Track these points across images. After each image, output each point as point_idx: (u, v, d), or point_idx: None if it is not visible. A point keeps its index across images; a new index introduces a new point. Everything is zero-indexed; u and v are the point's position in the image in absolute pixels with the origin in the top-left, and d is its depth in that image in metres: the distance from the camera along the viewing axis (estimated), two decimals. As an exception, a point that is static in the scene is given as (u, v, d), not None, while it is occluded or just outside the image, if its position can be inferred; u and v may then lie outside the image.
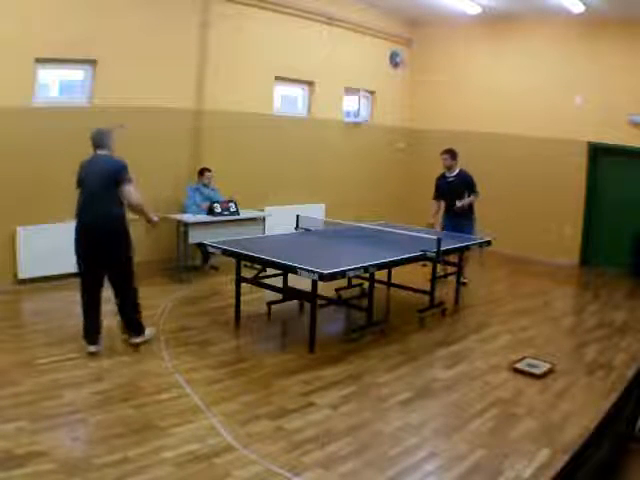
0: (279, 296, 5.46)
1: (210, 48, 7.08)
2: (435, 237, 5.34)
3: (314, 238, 6.01)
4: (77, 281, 5.03)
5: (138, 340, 4.52)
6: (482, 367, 4.58)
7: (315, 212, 7.81)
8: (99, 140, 4.44)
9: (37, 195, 5.88)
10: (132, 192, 4.32)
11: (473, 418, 3.70)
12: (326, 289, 5.41)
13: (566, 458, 3.11)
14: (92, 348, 4.32)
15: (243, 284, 5.25)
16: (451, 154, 6.93)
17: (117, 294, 4.46)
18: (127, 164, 4.39)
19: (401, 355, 4.74)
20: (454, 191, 6.85)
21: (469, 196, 6.78)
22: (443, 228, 6.95)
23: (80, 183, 4.37)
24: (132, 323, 4.53)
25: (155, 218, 4.57)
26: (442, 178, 7.06)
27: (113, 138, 4.52)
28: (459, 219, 6.78)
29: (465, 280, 6.83)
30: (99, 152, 4.43)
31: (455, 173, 6.94)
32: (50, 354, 4.25)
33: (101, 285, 4.43)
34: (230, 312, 5.33)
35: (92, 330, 4.37)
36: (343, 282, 5.94)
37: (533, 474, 3.08)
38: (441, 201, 7.08)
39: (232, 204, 6.83)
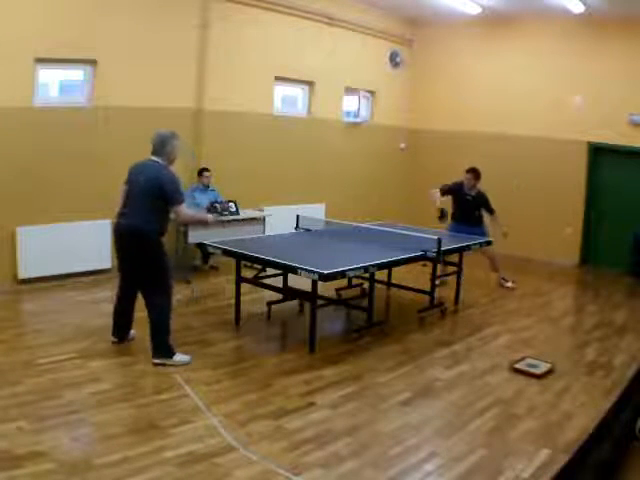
0: (279, 296, 5.45)
1: (210, 48, 7.08)
2: (435, 237, 5.35)
3: (314, 238, 6.01)
4: (79, 280, 5.01)
5: (157, 361, 4.19)
6: (482, 367, 4.59)
7: (315, 212, 7.81)
8: (156, 144, 4.18)
9: (37, 195, 5.88)
10: (181, 213, 4.16)
11: (473, 418, 3.70)
12: (326, 289, 5.41)
13: (566, 458, 3.11)
14: (112, 338, 4.53)
15: (243, 284, 5.25)
16: (475, 174, 6.89)
17: (145, 304, 4.28)
18: (177, 181, 4.16)
19: (401, 355, 4.74)
20: (468, 207, 6.94)
21: (479, 212, 6.95)
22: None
23: (126, 184, 4.29)
24: (154, 341, 4.22)
25: (209, 217, 4.68)
26: (460, 187, 6.97)
27: (174, 145, 4.22)
28: (471, 228, 6.78)
29: (509, 284, 7.17)
30: (152, 158, 4.18)
31: (474, 193, 6.94)
32: (50, 354, 4.25)
33: (133, 285, 4.38)
34: (230, 312, 5.33)
35: (117, 323, 4.52)
36: (343, 282, 5.94)
37: (533, 474, 3.08)
38: (444, 197, 6.98)
39: (232, 204, 6.82)
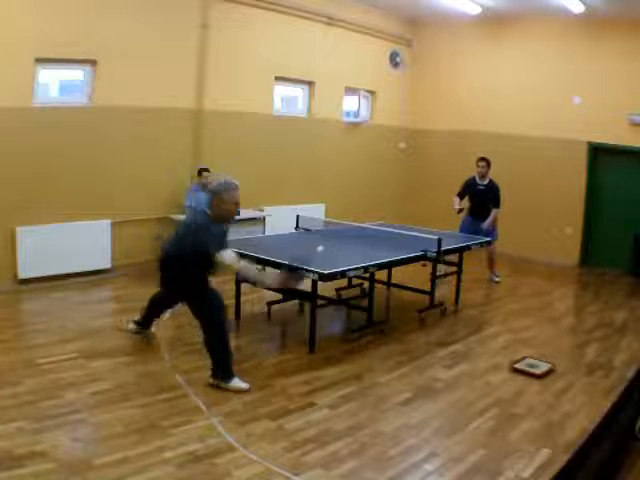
0: (279, 296, 5.45)
1: (210, 48, 7.08)
2: (435, 237, 5.35)
3: (314, 238, 6.01)
4: (79, 280, 4.92)
5: (213, 382, 3.95)
6: (482, 367, 4.59)
7: (315, 212, 7.81)
8: (209, 194, 4.05)
9: (37, 195, 5.88)
10: (221, 259, 3.79)
11: (473, 418, 3.71)
12: (326, 289, 5.41)
13: (566, 458, 3.11)
14: (133, 326, 4.67)
15: (243, 284, 5.25)
16: (488, 163, 7.11)
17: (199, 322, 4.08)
18: (207, 232, 3.81)
19: (401, 355, 4.74)
20: (483, 199, 7.07)
21: (491, 207, 7.03)
22: (461, 230, 7.11)
23: None
24: (213, 361, 3.97)
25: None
26: (472, 182, 7.18)
27: (220, 203, 3.91)
28: (481, 223, 6.92)
29: (498, 279, 7.40)
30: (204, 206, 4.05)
31: (486, 182, 7.13)
32: (50, 354, 4.25)
33: (168, 299, 4.40)
34: (230, 312, 5.32)
35: (149, 312, 4.58)
36: (343, 282, 5.94)
37: (533, 474, 3.08)
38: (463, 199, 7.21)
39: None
